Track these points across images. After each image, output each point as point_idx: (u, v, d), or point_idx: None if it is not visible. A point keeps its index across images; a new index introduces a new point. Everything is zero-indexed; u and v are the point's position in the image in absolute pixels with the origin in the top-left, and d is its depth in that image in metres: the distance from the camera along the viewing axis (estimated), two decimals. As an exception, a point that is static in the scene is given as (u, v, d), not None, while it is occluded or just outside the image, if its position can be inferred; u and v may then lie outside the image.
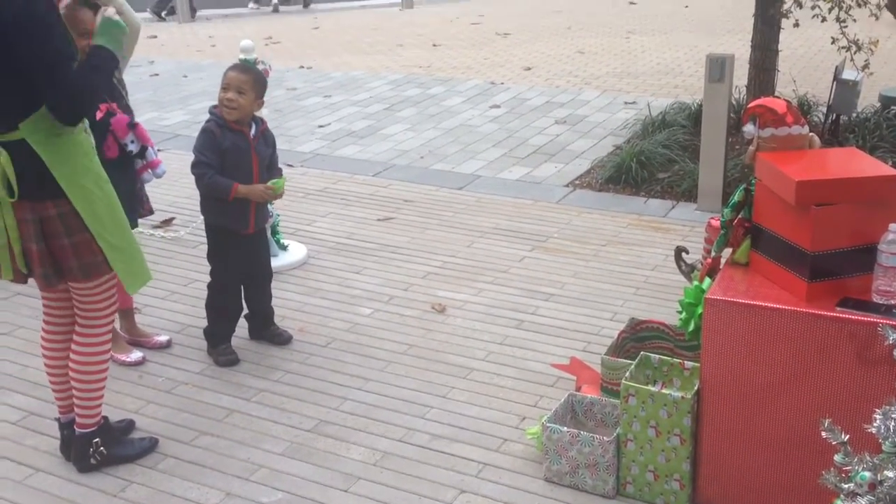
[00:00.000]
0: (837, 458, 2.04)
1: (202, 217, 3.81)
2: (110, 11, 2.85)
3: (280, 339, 3.91)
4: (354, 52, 10.76)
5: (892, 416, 2.00)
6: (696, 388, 2.79)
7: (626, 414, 2.86)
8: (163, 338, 3.94)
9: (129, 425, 3.31)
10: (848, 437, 2.03)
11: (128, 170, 3.64)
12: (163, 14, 14.09)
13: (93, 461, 3.06)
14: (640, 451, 2.85)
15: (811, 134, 2.94)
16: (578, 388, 3.31)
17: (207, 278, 3.83)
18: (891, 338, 2.12)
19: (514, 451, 3.15)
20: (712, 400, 2.74)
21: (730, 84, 5.34)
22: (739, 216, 2.93)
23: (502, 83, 8.75)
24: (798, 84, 7.14)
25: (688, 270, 3.54)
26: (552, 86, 8.59)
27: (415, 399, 3.49)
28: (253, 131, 3.64)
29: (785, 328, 2.59)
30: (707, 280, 2.91)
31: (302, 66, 9.85)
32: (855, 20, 6.07)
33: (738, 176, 5.36)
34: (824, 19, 6.01)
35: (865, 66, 5.92)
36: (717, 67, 5.27)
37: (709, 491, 2.83)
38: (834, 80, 6.09)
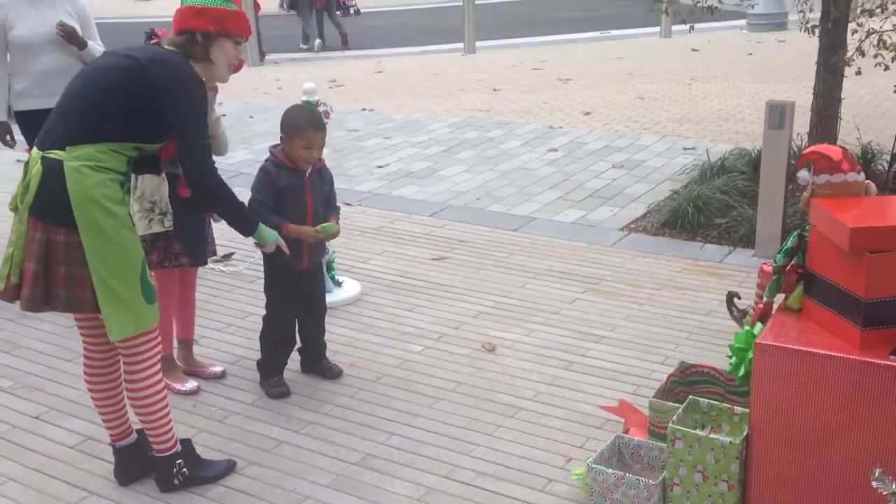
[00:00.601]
0: (888, 508, 2.00)
1: (260, 251, 3.89)
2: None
3: (331, 373, 3.97)
4: (416, 96, 10.93)
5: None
6: (744, 433, 2.75)
7: (672, 457, 2.83)
8: (217, 368, 4.02)
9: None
10: (899, 487, 1.99)
11: (200, 209, 3.76)
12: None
13: (176, 482, 3.14)
14: (687, 495, 2.82)
15: (867, 181, 2.91)
16: (626, 431, 3.28)
17: (263, 311, 3.91)
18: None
19: (559, 491, 3.14)
20: (761, 446, 2.70)
21: (790, 131, 5.29)
22: (793, 262, 2.91)
23: (561, 127, 8.79)
24: (862, 132, 7.04)
25: (740, 316, 3.50)
26: (611, 130, 8.60)
27: (461, 436, 3.50)
28: (309, 170, 3.74)
29: (837, 375, 2.55)
30: (758, 325, 2.88)
31: (364, 109, 10.05)
32: (919, 68, 5.99)
33: (798, 222, 5.29)
34: (887, 67, 5.94)
35: (931, 115, 5.82)
36: (777, 114, 5.23)
37: (757, 540, 2.78)
38: (898, 128, 6.00)
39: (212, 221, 3.89)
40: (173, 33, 3.14)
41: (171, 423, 3.13)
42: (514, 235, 5.81)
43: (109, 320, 2.87)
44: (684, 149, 7.75)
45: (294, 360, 3.98)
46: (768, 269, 3.04)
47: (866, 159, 6.39)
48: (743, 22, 16.46)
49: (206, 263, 3.95)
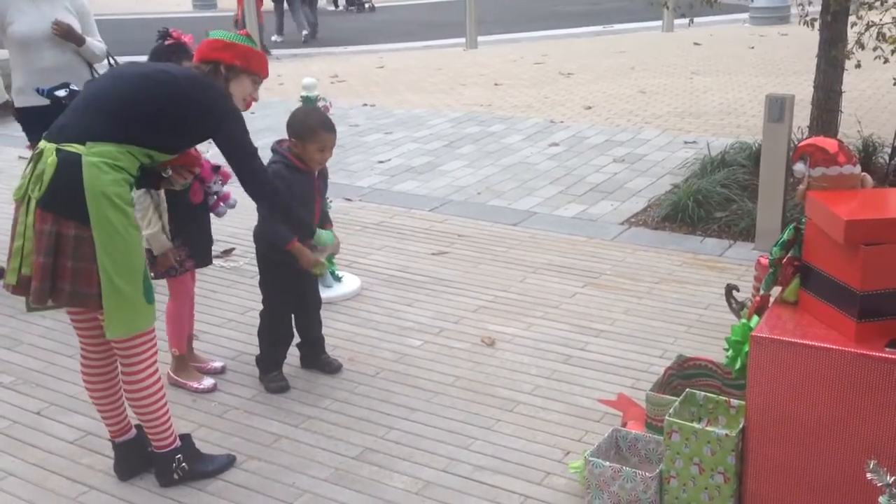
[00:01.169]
0: (882, 500, 2.00)
1: (255, 245, 3.90)
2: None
3: (330, 367, 3.98)
4: (417, 91, 10.93)
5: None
6: (741, 426, 2.76)
7: (669, 450, 2.83)
8: (218, 364, 4.04)
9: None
10: (893, 478, 1.99)
11: (207, 210, 3.79)
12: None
13: (175, 476, 3.16)
14: (683, 488, 2.83)
15: (863, 174, 2.91)
16: (624, 424, 3.29)
17: (262, 307, 3.93)
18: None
19: (557, 484, 3.15)
20: (757, 438, 2.70)
21: (790, 124, 5.29)
22: (789, 255, 2.91)
23: (562, 122, 8.79)
24: (863, 125, 7.02)
25: (738, 308, 3.51)
26: (612, 125, 8.60)
27: (460, 430, 3.51)
28: (316, 172, 3.78)
29: (832, 368, 2.55)
30: (755, 318, 2.89)
31: (365, 104, 10.05)
32: (920, 61, 5.97)
33: (798, 216, 5.28)
34: (886, 60, 5.93)
35: (931, 107, 5.81)
36: (777, 107, 5.23)
37: (753, 532, 2.78)
38: (899, 121, 5.99)
39: (218, 213, 3.90)
40: (196, 61, 3.22)
41: (169, 419, 3.15)
42: (514, 230, 5.82)
43: (109, 317, 2.88)
44: (685, 143, 7.75)
45: (293, 354, 4.00)
46: (765, 261, 3.05)
47: (867, 152, 6.38)
48: (745, 15, 16.43)
49: (211, 263, 3.98)
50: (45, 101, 4.66)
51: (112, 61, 4.82)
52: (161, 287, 3.74)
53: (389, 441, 3.45)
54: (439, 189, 6.75)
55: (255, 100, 3.32)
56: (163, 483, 3.18)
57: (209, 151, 3.87)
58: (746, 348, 2.81)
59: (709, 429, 2.78)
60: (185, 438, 3.23)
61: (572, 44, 15.11)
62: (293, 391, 3.83)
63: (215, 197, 3.81)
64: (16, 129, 5.10)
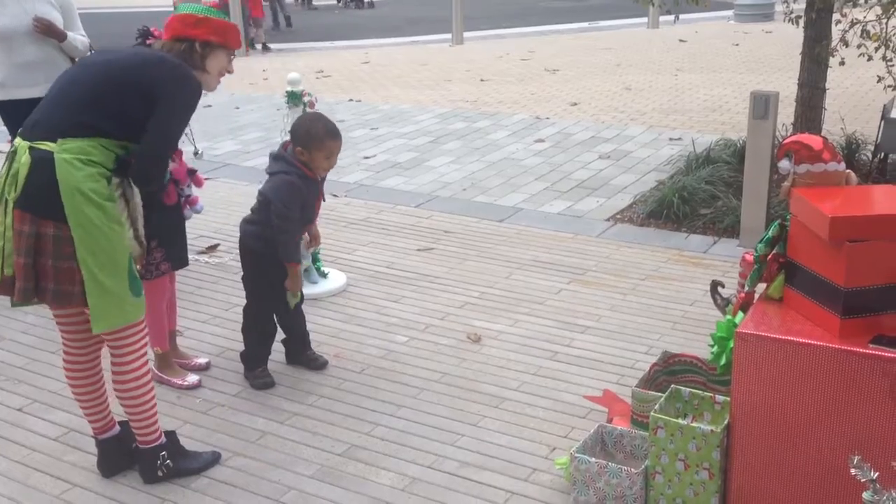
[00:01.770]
0: (866, 495, 2.01)
1: (239, 241, 3.86)
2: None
3: (316, 364, 3.97)
4: (403, 86, 10.92)
5: (919, 453, 1.97)
6: (725, 422, 2.77)
7: (654, 446, 2.84)
8: (202, 360, 4.02)
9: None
10: (878, 474, 2.00)
11: (181, 212, 3.78)
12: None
13: (160, 473, 3.13)
14: (669, 484, 2.83)
15: (848, 171, 2.93)
16: (610, 420, 3.29)
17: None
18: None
19: (543, 481, 3.15)
20: (742, 434, 2.71)
21: (774, 121, 5.31)
22: (774, 251, 2.92)
23: (548, 118, 8.80)
24: (847, 122, 7.07)
25: (723, 304, 3.52)
26: (598, 121, 8.62)
27: (446, 427, 3.51)
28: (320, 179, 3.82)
29: (816, 364, 2.56)
30: (740, 314, 2.90)
31: (351, 99, 10.03)
32: (903, 59, 6.01)
33: (782, 213, 5.31)
34: (870, 58, 5.96)
35: (914, 105, 5.85)
36: (762, 104, 5.25)
37: (738, 528, 2.80)
38: (882, 118, 6.03)
39: (185, 214, 3.88)
40: (167, 38, 3.11)
41: (156, 415, 3.13)
42: (500, 226, 5.82)
43: (95, 313, 2.85)
44: (670, 139, 7.77)
45: (279, 351, 3.98)
46: (750, 258, 3.05)
47: (850, 149, 6.42)
48: (730, 12, 16.50)
49: (187, 264, 3.94)
50: (26, 95, 4.64)
51: None
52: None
53: (375, 438, 3.44)
54: (425, 185, 6.74)
55: (230, 72, 3.23)
56: (147, 480, 3.16)
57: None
58: (731, 344, 2.81)
59: (694, 425, 2.79)
60: (171, 435, 3.21)
61: (558, 40, 15.13)
62: (279, 387, 3.81)
63: (183, 199, 3.81)
64: (-2, 124, 5.05)
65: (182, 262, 3.85)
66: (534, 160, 7.32)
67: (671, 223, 5.73)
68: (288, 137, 3.82)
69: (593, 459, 2.91)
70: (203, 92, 3.10)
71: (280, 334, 3.96)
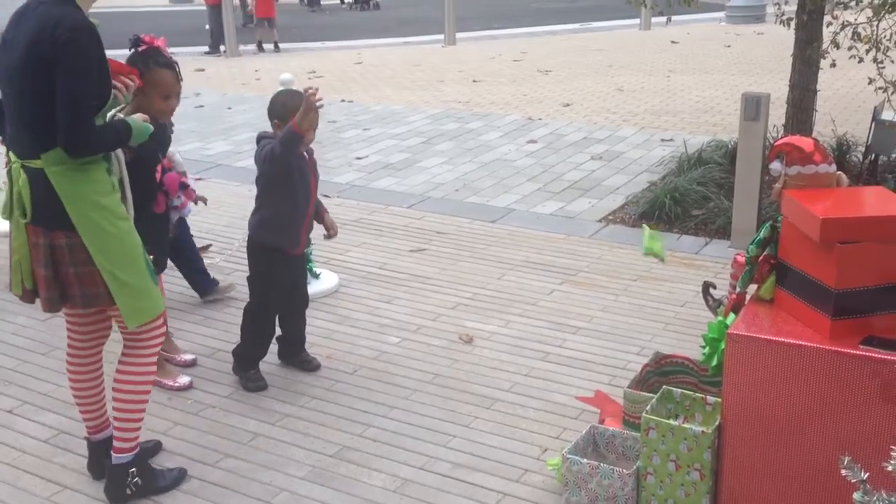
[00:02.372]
0: (856, 496, 2.02)
1: (247, 239, 3.83)
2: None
3: (308, 366, 3.96)
4: (395, 87, 10.91)
5: (909, 453, 1.97)
6: (717, 422, 2.77)
7: (646, 447, 2.84)
8: (188, 356, 4.02)
9: (157, 446, 3.37)
10: (868, 474, 2.01)
11: (168, 219, 3.78)
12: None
13: (128, 491, 3.07)
14: (660, 484, 2.84)
15: (839, 172, 2.94)
16: (602, 421, 3.30)
17: (241, 303, 3.89)
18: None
19: (535, 482, 3.15)
20: (733, 435, 2.72)
21: (765, 123, 5.33)
22: (765, 253, 2.93)
23: (540, 119, 8.81)
24: (837, 124, 7.09)
25: (715, 305, 3.52)
26: (590, 122, 8.63)
27: (438, 428, 3.51)
28: (307, 157, 3.80)
29: (807, 365, 2.57)
30: (731, 315, 2.90)
31: (343, 100, 10.02)
32: (893, 61, 6.04)
33: (773, 214, 5.33)
34: (861, 60, 5.99)
35: (903, 107, 5.87)
36: (753, 106, 5.26)
37: (729, 528, 2.80)
38: (872, 120, 6.06)
39: (172, 216, 3.89)
40: None
41: (142, 423, 3.09)
42: (492, 227, 5.82)
43: (127, 311, 2.88)
44: (662, 140, 7.79)
45: (271, 351, 3.97)
46: (741, 259, 3.06)
47: (841, 151, 6.44)
48: (722, 14, 16.55)
49: (165, 268, 3.94)
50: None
51: None
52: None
53: (367, 439, 3.44)
54: (417, 186, 6.74)
55: None
56: (114, 499, 3.07)
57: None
58: (723, 345, 2.82)
59: (685, 426, 2.79)
60: (140, 451, 3.13)
61: (551, 41, 15.15)
62: (270, 389, 3.80)
63: (172, 207, 3.83)
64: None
65: (163, 266, 3.85)
66: (526, 161, 7.32)
67: (663, 224, 5.74)
68: None
69: (585, 460, 2.91)
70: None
71: (276, 332, 3.94)
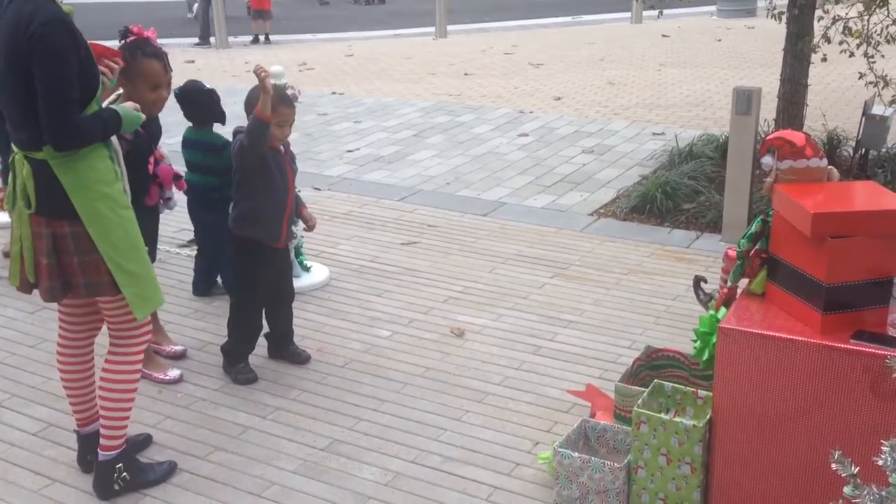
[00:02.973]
0: (846, 490, 2.02)
1: (229, 234, 3.83)
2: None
3: (298, 358, 3.95)
4: (386, 80, 10.88)
5: (900, 448, 1.98)
6: (708, 416, 2.78)
7: (637, 441, 2.85)
8: (178, 348, 4.01)
9: (147, 440, 3.36)
10: (858, 469, 2.01)
11: (157, 211, 3.77)
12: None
13: (116, 487, 3.06)
14: (651, 478, 2.84)
15: (830, 167, 2.94)
16: (593, 415, 3.30)
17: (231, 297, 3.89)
18: (900, 370, 2.10)
19: (526, 475, 3.15)
20: (724, 429, 2.72)
21: (756, 117, 5.33)
22: (756, 247, 2.93)
23: (531, 112, 8.80)
24: (828, 118, 7.11)
25: (706, 300, 3.53)
26: (581, 115, 8.62)
27: (429, 421, 3.50)
28: (283, 150, 3.79)
29: (798, 359, 2.58)
30: (723, 310, 2.91)
31: (334, 92, 9.99)
32: (883, 56, 6.05)
33: (764, 208, 5.34)
34: (852, 54, 6.00)
35: (893, 102, 5.88)
36: (744, 100, 5.27)
37: (720, 522, 2.81)
38: (863, 115, 6.07)
39: (160, 208, 3.87)
40: None
41: (128, 418, 3.07)
42: (483, 220, 5.81)
43: (134, 301, 2.88)
44: (653, 134, 7.79)
45: (261, 345, 3.96)
46: (733, 253, 3.06)
47: (832, 145, 6.46)
48: (713, 8, 16.56)
49: (154, 259, 3.92)
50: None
51: None
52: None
53: (358, 432, 3.43)
54: (408, 179, 6.72)
55: None
56: (103, 496, 3.05)
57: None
58: (714, 339, 2.82)
59: (676, 419, 2.80)
60: (126, 446, 3.11)
61: (542, 34, 15.14)
62: (261, 382, 3.79)
63: (162, 200, 3.81)
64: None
65: (152, 257, 3.84)
66: (517, 154, 7.32)
67: (654, 218, 5.75)
68: None
69: (576, 454, 2.91)
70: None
71: (264, 328, 3.94)
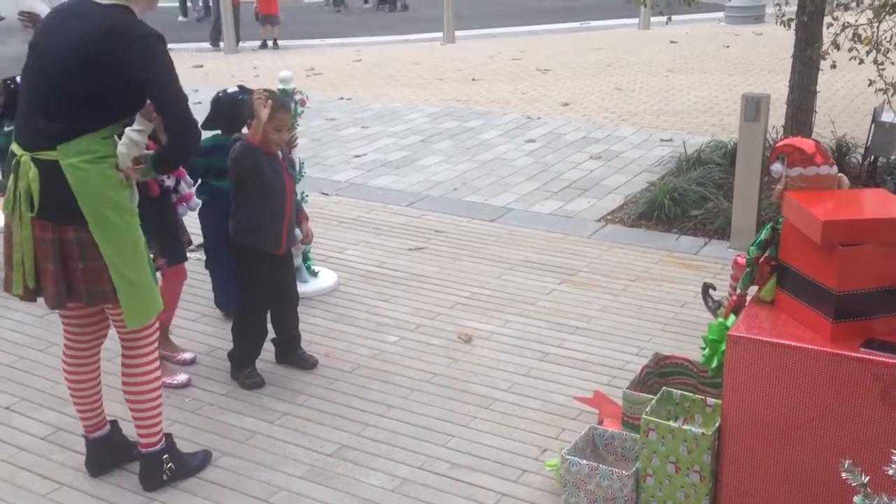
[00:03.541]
0: (857, 499, 2.01)
1: (230, 242, 3.83)
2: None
3: (306, 363, 3.95)
4: (394, 85, 10.89)
5: (910, 457, 1.97)
6: (717, 424, 2.77)
7: (645, 448, 2.84)
8: (188, 355, 4.01)
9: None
10: (868, 478, 2.00)
11: (169, 205, 3.76)
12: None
13: (164, 477, 3.10)
14: (660, 486, 2.83)
15: (840, 174, 2.93)
16: (601, 422, 3.29)
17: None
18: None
19: (533, 482, 3.14)
20: (733, 437, 2.71)
21: (765, 123, 5.32)
22: (766, 254, 2.92)
23: (539, 118, 8.80)
24: (837, 125, 7.09)
25: (714, 307, 3.53)
26: (589, 121, 8.62)
27: (436, 427, 3.50)
28: (280, 156, 3.78)
29: (808, 367, 2.57)
30: (732, 317, 2.90)
31: (342, 98, 10.00)
32: (893, 63, 6.03)
33: (773, 215, 5.32)
34: (861, 61, 5.98)
35: (903, 109, 5.87)
36: (753, 107, 5.26)
37: (728, 530, 2.80)
38: (872, 122, 6.05)
39: (178, 213, 3.86)
40: None
41: (161, 415, 3.10)
42: (491, 226, 5.81)
43: (129, 310, 2.87)
44: (661, 140, 7.78)
45: (269, 350, 3.96)
46: (742, 261, 3.06)
47: (841, 152, 6.44)
48: (721, 14, 16.53)
49: (185, 259, 3.92)
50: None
51: None
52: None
53: (365, 438, 3.43)
54: (416, 184, 6.73)
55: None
56: (149, 487, 3.10)
57: None
58: (723, 347, 2.82)
59: (685, 427, 2.79)
60: (168, 437, 3.18)
61: (550, 40, 15.13)
62: (268, 387, 3.79)
63: (175, 196, 3.78)
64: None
65: (177, 257, 3.83)
66: (525, 160, 7.31)
67: (662, 224, 5.74)
68: None
69: (584, 461, 2.91)
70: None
71: (270, 333, 3.94)
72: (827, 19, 6.22)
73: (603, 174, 6.89)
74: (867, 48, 5.96)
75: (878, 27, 5.95)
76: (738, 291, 2.95)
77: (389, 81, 11.19)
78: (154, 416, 3.07)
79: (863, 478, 2.01)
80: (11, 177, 2.83)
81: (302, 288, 4.63)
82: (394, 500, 3.06)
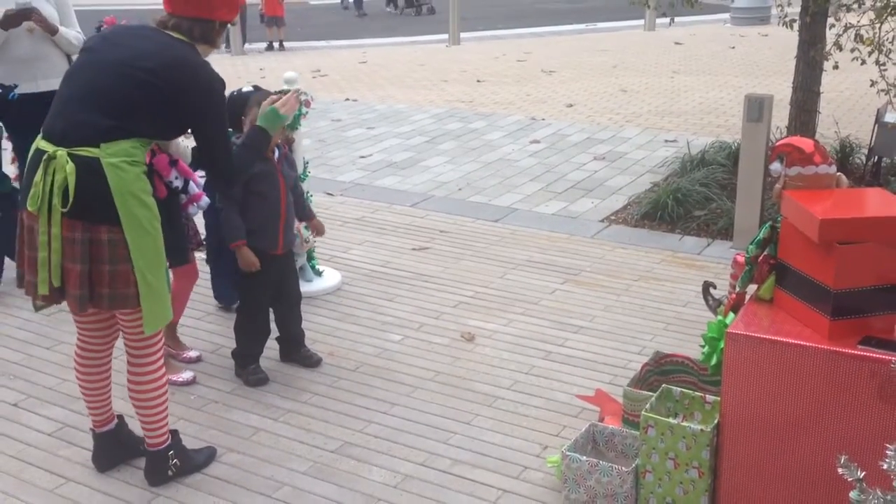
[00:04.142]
0: (853, 495, 2.03)
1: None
2: (285, 100, 3.35)
3: (310, 361, 3.98)
4: (400, 86, 10.93)
5: (905, 452, 1.99)
6: (716, 421, 2.79)
7: (644, 445, 2.86)
8: (193, 353, 4.04)
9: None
10: (864, 474, 2.03)
11: (177, 206, 3.77)
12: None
13: (170, 473, 3.14)
14: (659, 482, 2.86)
15: (839, 174, 2.95)
16: (602, 420, 3.32)
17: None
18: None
19: (534, 479, 3.17)
20: (731, 434, 2.74)
21: (768, 124, 5.34)
22: (765, 253, 2.94)
23: (543, 119, 8.82)
24: (841, 126, 7.10)
25: (715, 305, 3.54)
26: (593, 122, 8.64)
27: (439, 425, 3.53)
28: (276, 155, 3.78)
29: (806, 365, 2.59)
30: (731, 315, 2.92)
31: (347, 99, 10.04)
32: (895, 64, 6.05)
33: (776, 215, 5.34)
34: (864, 62, 6.00)
35: (906, 109, 5.88)
36: (756, 107, 5.28)
37: (727, 526, 2.82)
38: (876, 123, 6.07)
39: (188, 213, 3.87)
40: (181, 14, 2.94)
41: (167, 415, 3.13)
42: (495, 226, 5.84)
43: (148, 315, 2.88)
44: (665, 141, 7.80)
45: (273, 348, 4.00)
46: (741, 259, 3.08)
47: (845, 153, 6.46)
48: (726, 15, 16.55)
49: (187, 262, 3.92)
50: (26, 90, 4.65)
51: None
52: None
53: (368, 435, 3.46)
54: (421, 185, 6.76)
55: None
56: (154, 482, 3.14)
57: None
58: (722, 345, 2.84)
59: (684, 424, 2.82)
60: (174, 434, 3.21)
61: (555, 41, 15.16)
62: (272, 385, 3.83)
63: (185, 196, 3.79)
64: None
65: (181, 259, 3.83)
66: (529, 161, 7.34)
67: (665, 224, 5.76)
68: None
69: (584, 458, 2.93)
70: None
71: (274, 332, 3.98)
72: (830, 20, 6.24)
73: (607, 175, 6.91)
74: (869, 49, 5.97)
75: (879, 28, 5.97)
76: (738, 290, 2.98)
77: (395, 83, 11.23)
78: (160, 418, 3.10)
79: (859, 473, 2.03)
80: (39, 173, 2.76)
81: (306, 287, 4.67)
82: (396, 496, 3.10)
